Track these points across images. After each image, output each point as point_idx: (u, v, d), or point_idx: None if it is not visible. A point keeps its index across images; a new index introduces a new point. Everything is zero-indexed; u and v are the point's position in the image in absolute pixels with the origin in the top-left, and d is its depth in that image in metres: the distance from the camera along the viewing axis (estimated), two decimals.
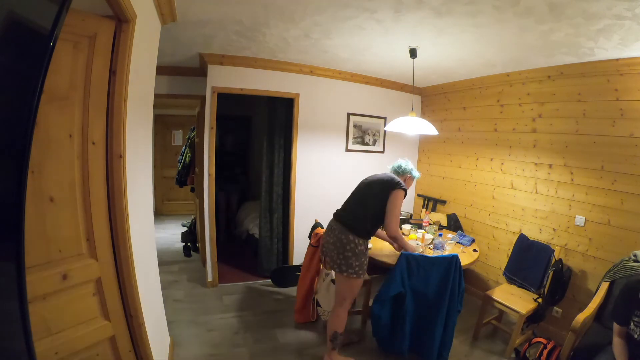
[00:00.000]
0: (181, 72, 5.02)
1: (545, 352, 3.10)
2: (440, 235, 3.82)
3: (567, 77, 3.73)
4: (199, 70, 4.90)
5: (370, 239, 3.13)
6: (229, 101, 4.69)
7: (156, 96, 2.89)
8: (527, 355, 3.22)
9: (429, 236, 3.85)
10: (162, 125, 8.33)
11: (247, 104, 6.21)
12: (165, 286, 3.30)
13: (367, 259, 3.09)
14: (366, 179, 3.30)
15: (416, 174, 3.41)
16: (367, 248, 3.07)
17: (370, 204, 3.05)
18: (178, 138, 8.68)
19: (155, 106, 2.91)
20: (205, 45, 3.92)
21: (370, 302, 3.60)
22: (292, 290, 4.64)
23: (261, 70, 4.51)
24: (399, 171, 3.34)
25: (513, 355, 3.40)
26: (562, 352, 2.84)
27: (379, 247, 3.73)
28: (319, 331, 3.74)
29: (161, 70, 3.19)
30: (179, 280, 4.85)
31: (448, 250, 3.60)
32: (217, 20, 3.14)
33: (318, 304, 3.75)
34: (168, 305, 3.51)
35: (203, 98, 4.57)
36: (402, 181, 3.13)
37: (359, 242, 2.96)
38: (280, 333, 3.67)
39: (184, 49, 4.11)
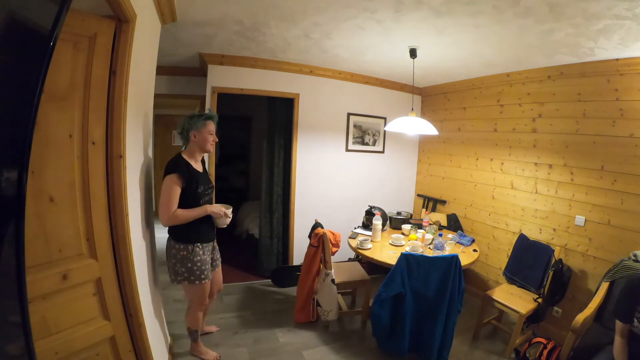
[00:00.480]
0: (181, 72, 5.03)
1: (545, 352, 3.10)
2: (440, 235, 3.81)
3: (567, 77, 3.72)
4: (199, 70, 4.91)
5: (193, 242, 2.73)
6: (229, 101, 4.69)
7: (156, 96, 2.90)
8: (527, 355, 3.22)
9: (429, 236, 3.86)
10: (162, 125, 8.31)
11: (247, 104, 6.21)
12: (165, 286, 3.30)
13: (200, 264, 2.76)
14: None
15: (209, 116, 2.87)
16: (191, 252, 2.71)
17: None
18: (178, 138, 8.67)
19: (155, 106, 2.91)
20: (205, 45, 3.93)
21: (370, 302, 3.60)
22: (292, 290, 4.64)
23: (261, 70, 4.52)
24: (183, 133, 2.86)
25: (513, 355, 3.40)
26: (562, 352, 2.85)
27: (379, 247, 3.73)
28: (319, 331, 3.74)
29: (161, 70, 3.20)
30: None
31: (448, 250, 3.60)
32: (217, 20, 3.14)
33: (318, 304, 3.76)
34: (168, 305, 3.52)
35: (203, 98, 4.58)
36: (180, 159, 2.71)
37: (179, 247, 2.70)
38: (280, 333, 3.67)
39: (184, 49, 4.11)
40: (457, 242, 3.96)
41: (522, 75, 4.13)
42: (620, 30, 2.62)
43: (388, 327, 3.23)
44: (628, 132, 3.27)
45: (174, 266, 2.74)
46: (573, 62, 3.56)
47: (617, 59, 3.26)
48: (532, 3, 2.39)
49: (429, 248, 3.67)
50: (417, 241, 3.77)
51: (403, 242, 3.81)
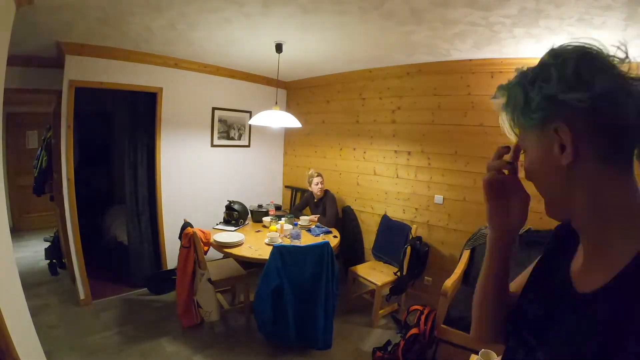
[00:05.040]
0: (36, 62, 4.29)
1: (422, 317, 3.37)
2: (296, 224, 4.16)
3: (424, 74, 4.16)
4: (56, 61, 4.27)
5: None
6: (89, 96, 4.21)
7: (6, 91, 2.50)
8: (408, 321, 3.52)
9: (287, 226, 4.04)
10: (13, 125, 7.06)
11: (109, 99, 5.57)
12: (35, 312, 2.89)
13: None
14: None
15: None
16: None
17: None
18: (33, 140, 7.38)
19: (5, 102, 2.51)
20: (64, 32, 3.42)
21: (251, 297, 3.61)
22: (170, 296, 4.42)
23: (123, 62, 4.13)
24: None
25: (394, 325, 3.77)
26: (438, 314, 3.19)
27: (252, 241, 3.81)
28: (205, 332, 3.67)
29: (12, 60, 2.76)
30: (49, 303, 4.22)
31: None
32: (77, 4, 2.78)
33: (199, 305, 3.66)
34: (42, 333, 3.05)
35: (60, 93, 4.00)
36: None
37: None
38: (167, 342, 3.48)
39: (39, 36, 3.49)
40: (309, 232, 4.21)
41: (383, 71, 4.49)
42: (474, 35, 3.00)
43: (271, 319, 3.28)
44: (478, 121, 3.80)
45: None
46: (431, 61, 3.97)
47: (470, 60, 3.75)
48: (395, 6, 2.57)
49: (287, 237, 3.83)
50: (276, 232, 3.89)
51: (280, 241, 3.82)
